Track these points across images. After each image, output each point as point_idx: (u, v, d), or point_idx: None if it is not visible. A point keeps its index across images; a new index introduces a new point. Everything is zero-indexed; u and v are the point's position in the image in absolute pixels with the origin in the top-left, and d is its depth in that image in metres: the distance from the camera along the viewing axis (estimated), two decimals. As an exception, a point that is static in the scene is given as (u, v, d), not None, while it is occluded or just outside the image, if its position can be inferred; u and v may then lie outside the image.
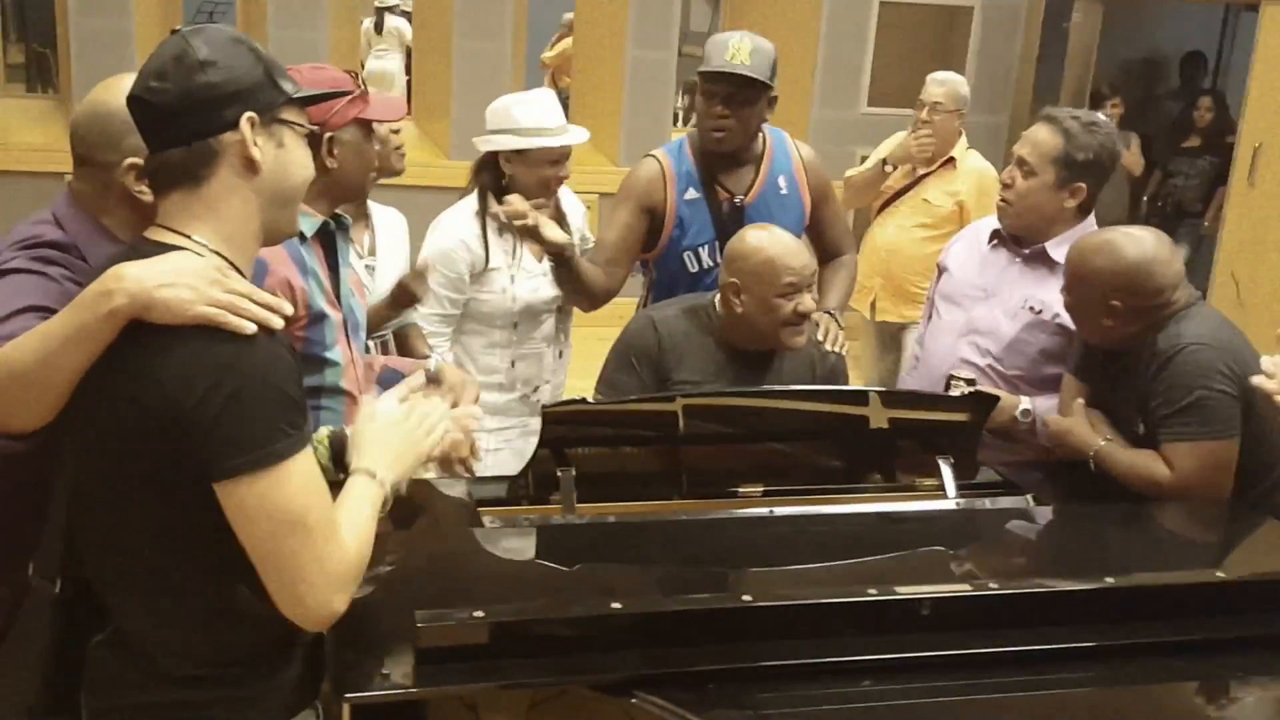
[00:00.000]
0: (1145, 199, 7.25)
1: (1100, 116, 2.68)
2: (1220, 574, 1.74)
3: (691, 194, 2.90)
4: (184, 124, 1.40)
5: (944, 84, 4.13)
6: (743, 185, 2.92)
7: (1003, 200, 2.67)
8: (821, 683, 1.54)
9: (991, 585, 1.63)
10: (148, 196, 1.55)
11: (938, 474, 2.28)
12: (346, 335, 2.17)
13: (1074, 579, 1.71)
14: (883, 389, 2.44)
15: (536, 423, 2.24)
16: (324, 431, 1.78)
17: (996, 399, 2.35)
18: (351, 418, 2.15)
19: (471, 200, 3.00)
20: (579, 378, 3.12)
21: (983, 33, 6.76)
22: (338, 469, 1.69)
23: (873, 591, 1.60)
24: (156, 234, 1.45)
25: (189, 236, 1.42)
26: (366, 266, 2.81)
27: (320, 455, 1.70)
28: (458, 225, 2.97)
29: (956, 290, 2.78)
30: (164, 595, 1.43)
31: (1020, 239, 2.67)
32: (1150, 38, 8.66)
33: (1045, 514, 2.17)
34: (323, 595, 1.37)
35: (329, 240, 2.18)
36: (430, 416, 1.63)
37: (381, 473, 1.51)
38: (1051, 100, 6.84)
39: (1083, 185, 2.58)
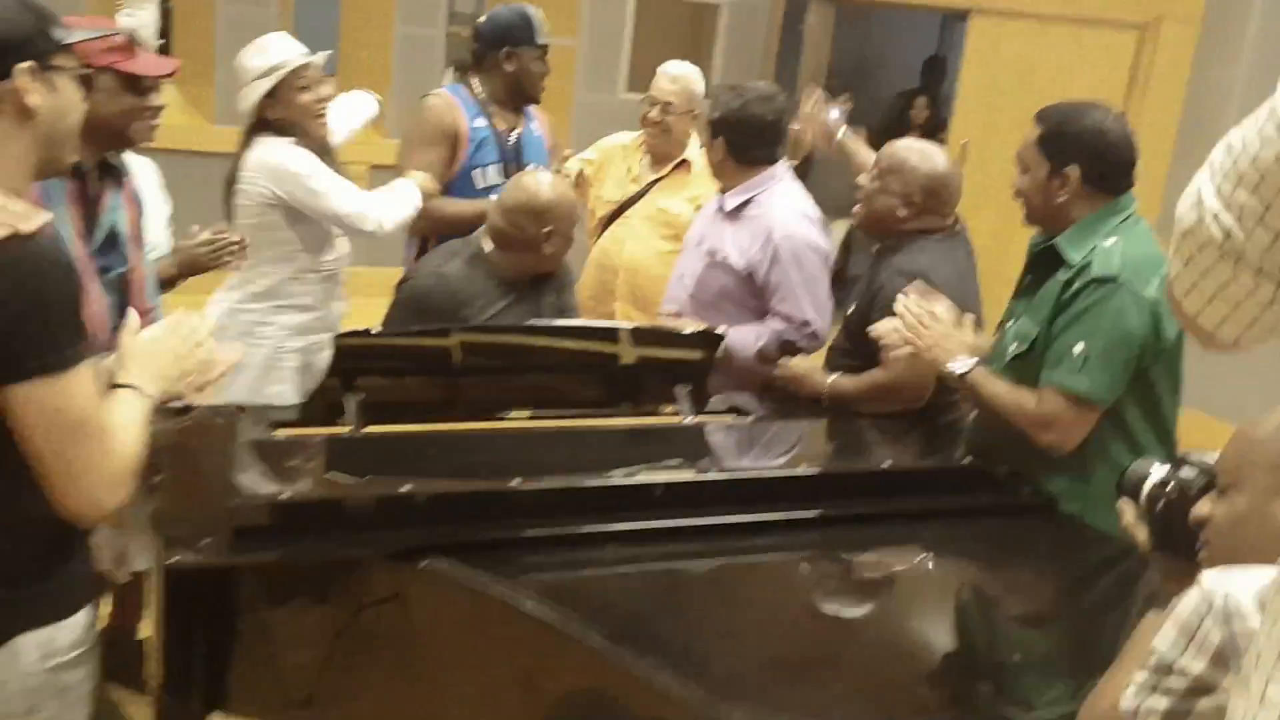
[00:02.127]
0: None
1: (764, 85, 3.19)
2: (885, 465, 2.22)
3: (480, 122, 3.50)
4: None
5: (676, 80, 3.63)
6: (511, 121, 3.58)
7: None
8: (578, 549, 1.90)
9: (711, 473, 2.04)
10: None
11: (676, 401, 2.69)
12: (92, 269, 2.21)
13: (773, 470, 2.15)
14: (631, 324, 2.82)
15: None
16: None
17: (722, 337, 2.78)
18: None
19: (275, 140, 3.06)
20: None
21: (730, 27, 7.32)
22: None
23: (620, 476, 1.97)
24: None
25: None
26: None
27: None
28: (283, 150, 3.04)
29: (685, 241, 3.28)
30: None
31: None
32: (879, 41, 9.53)
33: (761, 428, 2.62)
34: (100, 493, 1.48)
35: (82, 180, 2.25)
36: (196, 331, 1.72)
37: (146, 387, 1.61)
38: (789, 94, 7.47)
39: (718, 140, 3.04)
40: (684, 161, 3.64)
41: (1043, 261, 2.40)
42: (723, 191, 3.12)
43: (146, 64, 2.33)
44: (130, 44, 2.28)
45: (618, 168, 3.79)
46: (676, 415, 2.67)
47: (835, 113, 7.58)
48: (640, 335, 2.70)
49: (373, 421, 2.41)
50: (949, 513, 2.17)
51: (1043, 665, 1.82)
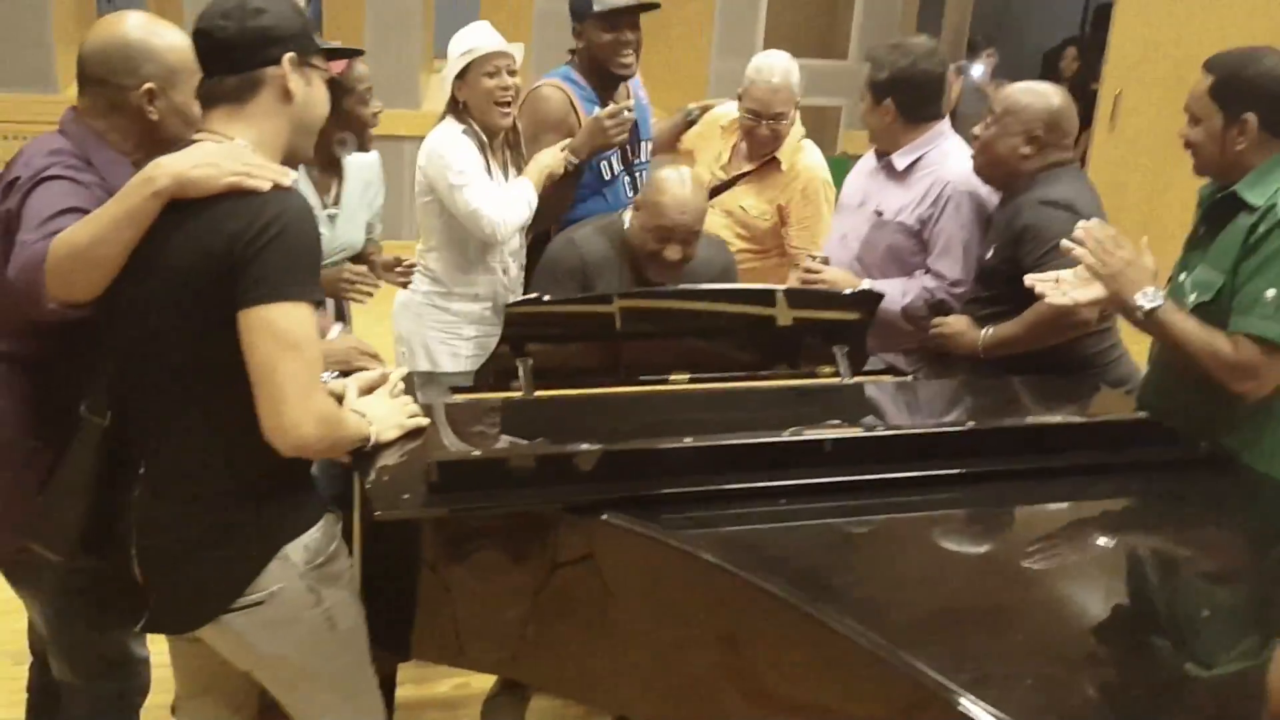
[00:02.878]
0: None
1: (911, 39, 3.11)
2: (1057, 418, 2.20)
3: (595, 110, 3.34)
4: (239, 56, 1.76)
5: (778, 90, 3.34)
6: (622, 100, 3.42)
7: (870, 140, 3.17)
8: (749, 503, 1.95)
9: (879, 429, 2.06)
10: (155, 115, 1.98)
11: (835, 361, 2.71)
12: None
13: (942, 425, 2.16)
14: (787, 288, 2.84)
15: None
16: None
17: (880, 296, 2.78)
18: None
19: (450, 124, 3.16)
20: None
21: (869, -16, 7.22)
22: None
23: (788, 434, 2.02)
24: (204, 138, 1.77)
25: (231, 140, 1.76)
26: (329, 215, 2.96)
27: None
28: (448, 135, 3.12)
29: (842, 202, 3.29)
30: (205, 420, 1.75)
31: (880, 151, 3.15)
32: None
33: (923, 386, 2.62)
34: (299, 416, 1.65)
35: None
36: (410, 407, 2.09)
37: (372, 418, 1.97)
38: (932, 50, 7.34)
39: (888, 103, 3.02)
40: (773, 159, 3.48)
41: (1218, 210, 2.33)
42: (884, 153, 3.11)
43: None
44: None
45: (713, 147, 3.65)
46: (835, 376, 2.69)
47: (980, 68, 7.44)
48: (797, 297, 2.73)
49: (542, 386, 2.50)
50: (1124, 467, 2.15)
51: (1225, 621, 1.80)
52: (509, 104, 3.12)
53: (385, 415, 2.02)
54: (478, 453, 1.89)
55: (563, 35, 3.53)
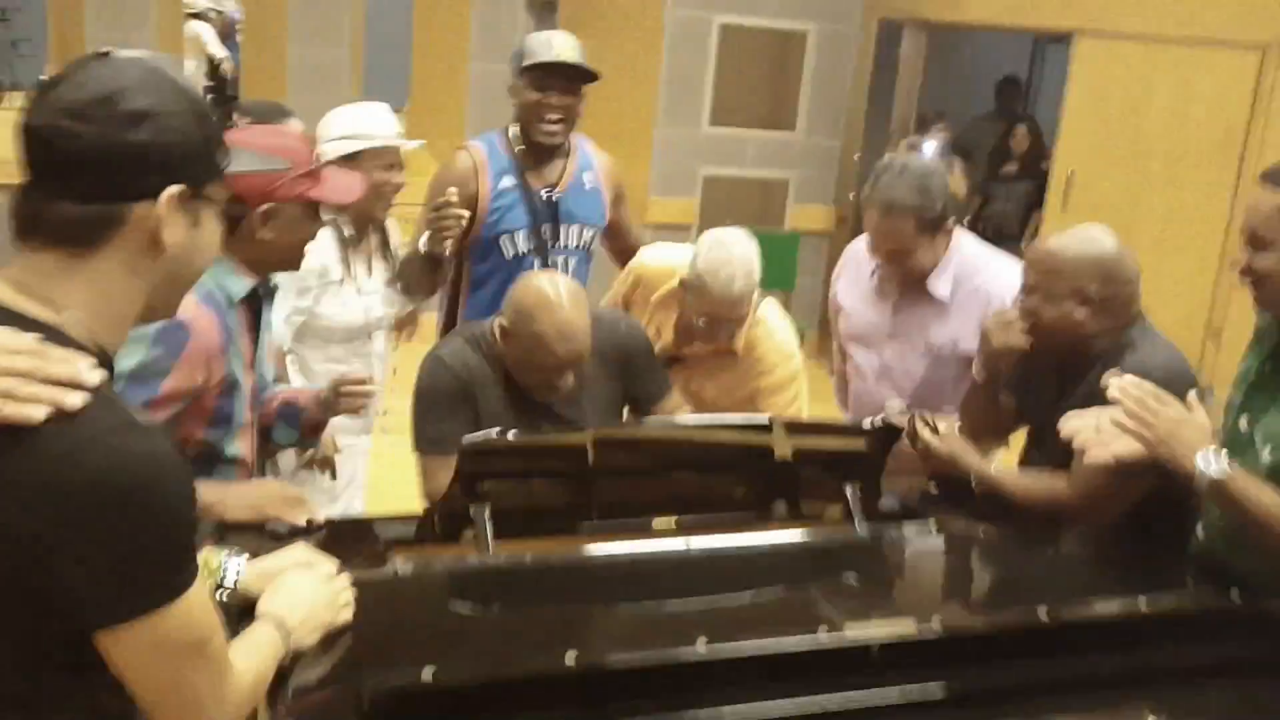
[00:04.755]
0: (966, 222, 7.60)
1: (911, 159, 2.77)
2: (1142, 605, 1.80)
3: (506, 182, 3.05)
4: (91, 180, 1.16)
5: (739, 299, 2.66)
6: (552, 178, 3.11)
7: (890, 275, 2.76)
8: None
9: (934, 625, 1.65)
10: None
11: (843, 501, 2.31)
12: (252, 402, 2.06)
13: (1008, 612, 1.75)
14: (789, 419, 2.43)
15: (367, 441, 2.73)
16: (214, 558, 1.63)
17: (900, 430, 2.39)
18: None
19: None
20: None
21: (818, 57, 6.96)
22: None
23: (824, 631, 1.59)
24: (13, 300, 1.17)
25: (58, 313, 1.18)
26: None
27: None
28: None
29: (861, 333, 2.88)
30: None
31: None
32: (969, 63, 9.12)
33: (955, 541, 2.21)
34: (218, 717, 1.24)
35: (255, 304, 2.08)
36: (346, 593, 1.62)
37: (291, 626, 1.48)
38: (882, 125, 7.11)
39: (948, 225, 2.69)
40: (730, 349, 2.83)
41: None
42: (908, 280, 2.74)
43: (334, 190, 2.06)
44: (319, 170, 2.04)
45: (643, 315, 2.96)
46: (843, 518, 2.29)
47: (931, 144, 7.22)
48: (797, 426, 2.33)
49: (501, 534, 2.06)
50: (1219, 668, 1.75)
51: None
52: (393, 199, 2.95)
53: (308, 614, 1.54)
54: (428, 676, 1.43)
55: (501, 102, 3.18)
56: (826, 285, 7.37)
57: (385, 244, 3.07)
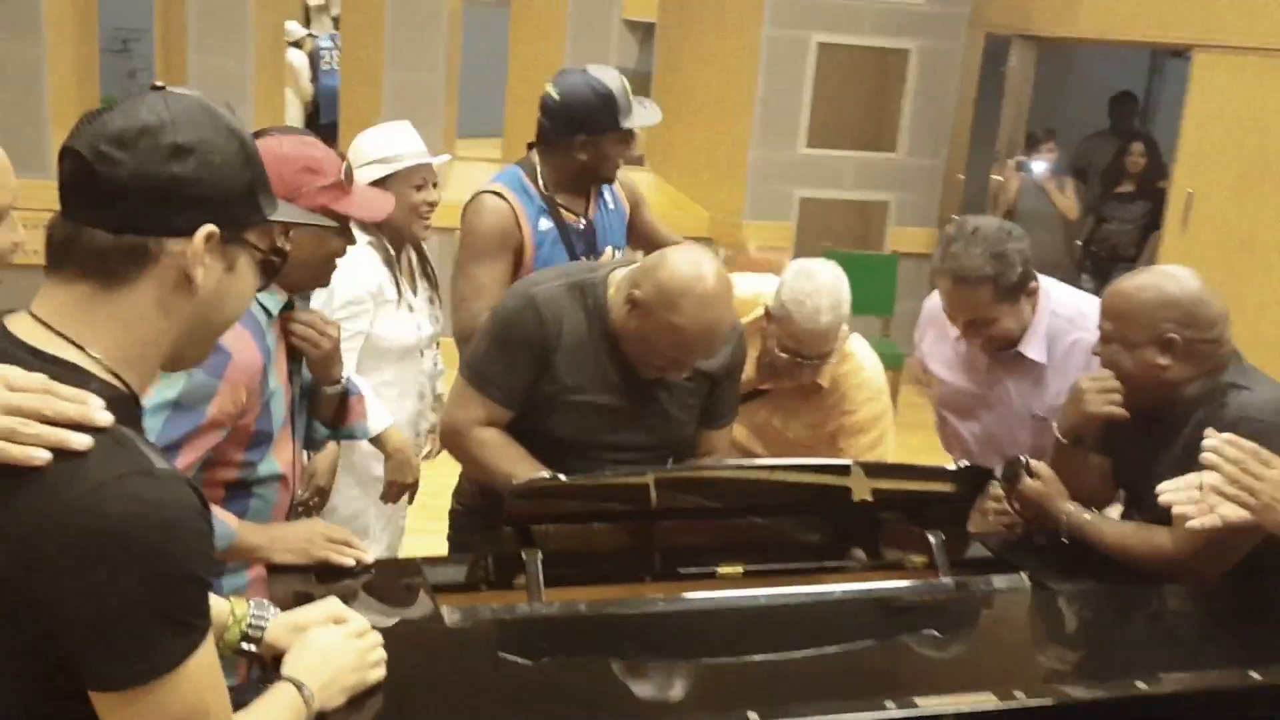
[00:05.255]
0: (1080, 243, 7.28)
1: (982, 224, 2.52)
2: (1256, 675, 1.60)
3: (544, 224, 2.90)
4: (125, 210, 1.11)
5: (827, 331, 2.52)
6: (580, 207, 2.98)
7: (984, 348, 2.59)
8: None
9: (1018, 696, 1.48)
10: None
11: (926, 549, 2.14)
12: (292, 414, 1.99)
13: (1100, 683, 1.57)
14: (867, 462, 2.27)
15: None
16: (241, 608, 1.54)
17: (990, 472, 2.22)
18: (284, 505, 2.00)
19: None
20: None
21: (920, 74, 6.75)
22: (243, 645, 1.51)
23: (891, 705, 1.44)
24: (36, 335, 1.13)
25: (84, 349, 1.12)
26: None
27: (230, 637, 1.51)
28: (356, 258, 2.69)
29: (958, 402, 2.71)
30: None
31: None
32: (1081, 79, 8.78)
33: (1050, 598, 2.02)
34: None
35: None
36: (376, 651, 1.51)
37: (313, 689, 1.37)
38: (988, 144, 6.86)
39: (1031, 286, 2.50)
40: (816, 385, 2.70)
41: None
42: (999, 348, 2.57)
43: (362, 205, 1.99)
44: (345, 181, 1.95)
45: None
46: (927, 568, 2.13)
47: (1040, 164, 6.95)
48: (876, 469, 2.17)
49: (553, 579, 1.94)
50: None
51: None
52: (430, 217, 2.87)
53: (333, 675, 1.44)
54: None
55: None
56: (928, 310, 7.19)
57: (425, 261, 3.03)
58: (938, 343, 2.75)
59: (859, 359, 2.73)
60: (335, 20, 9.85)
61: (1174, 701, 1.53)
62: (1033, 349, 2.51)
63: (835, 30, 6.56)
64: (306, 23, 9.08)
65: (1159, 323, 2.08)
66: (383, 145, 2.83)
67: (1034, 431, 2.52)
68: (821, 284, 2.53)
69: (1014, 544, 2.31)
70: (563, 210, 2.93)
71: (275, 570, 1.92)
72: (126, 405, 1.14)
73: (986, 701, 1.45)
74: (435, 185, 2.88)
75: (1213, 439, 1.76)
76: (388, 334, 2.81)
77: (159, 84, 1.18)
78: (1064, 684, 1.54)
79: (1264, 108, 6.34)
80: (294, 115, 8.43)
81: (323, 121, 8.30)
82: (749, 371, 2.77)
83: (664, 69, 7.90)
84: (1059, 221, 6.89)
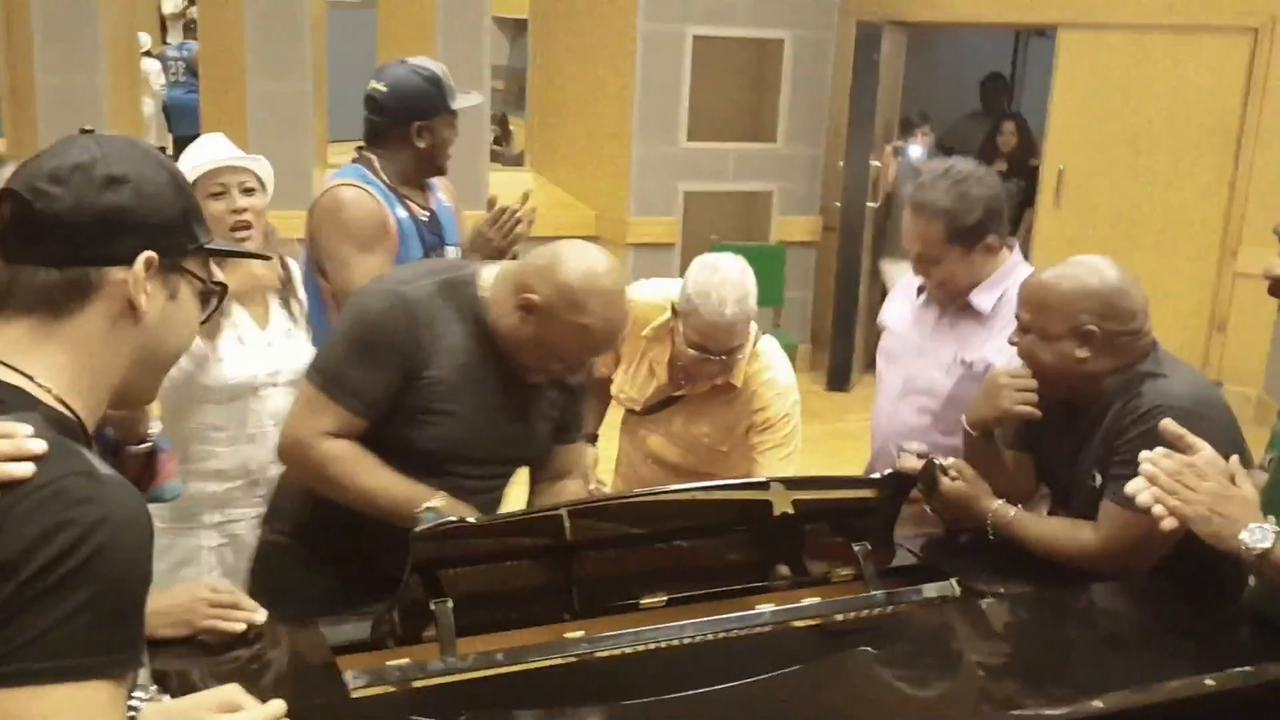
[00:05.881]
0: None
1: (959, 164, 2.53)
2: (1211, 682, 1.55)
3: (401, 213, 2.89)
4: (66, 242, 1.14)
5: (734, 323, 2.47)
6: (420, 199, 2.97)
7: (929, 288, 2.57)
8: None
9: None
10: None
11: (852, 561, 2.07)
12: None
13: (1057, 702, 1.50)
14: (786, 477, 2.18)
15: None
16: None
17: (913, 479, 2.15)
18: None
19: None
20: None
21: (795, 64, 6.73)
22: None
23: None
24: None
25: (32, 378, 1.13)
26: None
27: None
28: None
29: (894, 348, 2.68)
30: None
31: None
32: (950, 62, 8.90)
33: (987, 608, 1.95)
34: None
35: None
36: None
37: None
38: (866, 130, 6.88)
39: (992, 238, 2.46)
40: (729, 385, 2.64)
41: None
42: (948, 296, 2.54)
43: None
44: None
45: (635, 350, 2.75)
46: (855, 583, 2.05)
47: (917, 148, 7.00)
48: (796, 482, 2.09)
49: (466, 628, 1.81)
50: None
51: None
52: (246, 228, 2.51)
53: None
54: None
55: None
56: (815, 297, 7.20)
57: (287, 283, 2.63)
58: (900, 298, 2.76)
59: (768, 357, 2.69)
60: (190, 27, 9.45)
61: (1133, 715, 1.46)
62: (981, 299, 2.49)
63: (710, 22, 6.50)
64: (163, 32, 8.69)
65: (1078, 314, 2.04)
66: (188, 159, 2.56)
67: (957, 382, 2.48)
68: (727, 276, 2.49)
69: (939, 546, 2.26)
70: (409, 202, 2.92)
71: (155, 645, 1.73)
72: (73, 431, 1.13)
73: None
74: (249, 191, 2.53)
75: (1147, 451, 1.71)
76: (205, 374, 2.48)
77: (87, 128, 1.25)
78: (1019, 709, 1.47)
79: (1129, 82, 6.49)
80: (154, 127, 8.05)
81: (176, 135, 7.92)
82: (660, 377, 2.69)
83: (539, 66, 7.75)
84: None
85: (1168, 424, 1.76)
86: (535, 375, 2.10)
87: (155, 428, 2.09)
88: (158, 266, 1.18)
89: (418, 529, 1.77)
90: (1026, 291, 2.13)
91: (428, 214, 2.96)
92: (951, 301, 2.54)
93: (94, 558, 1.00)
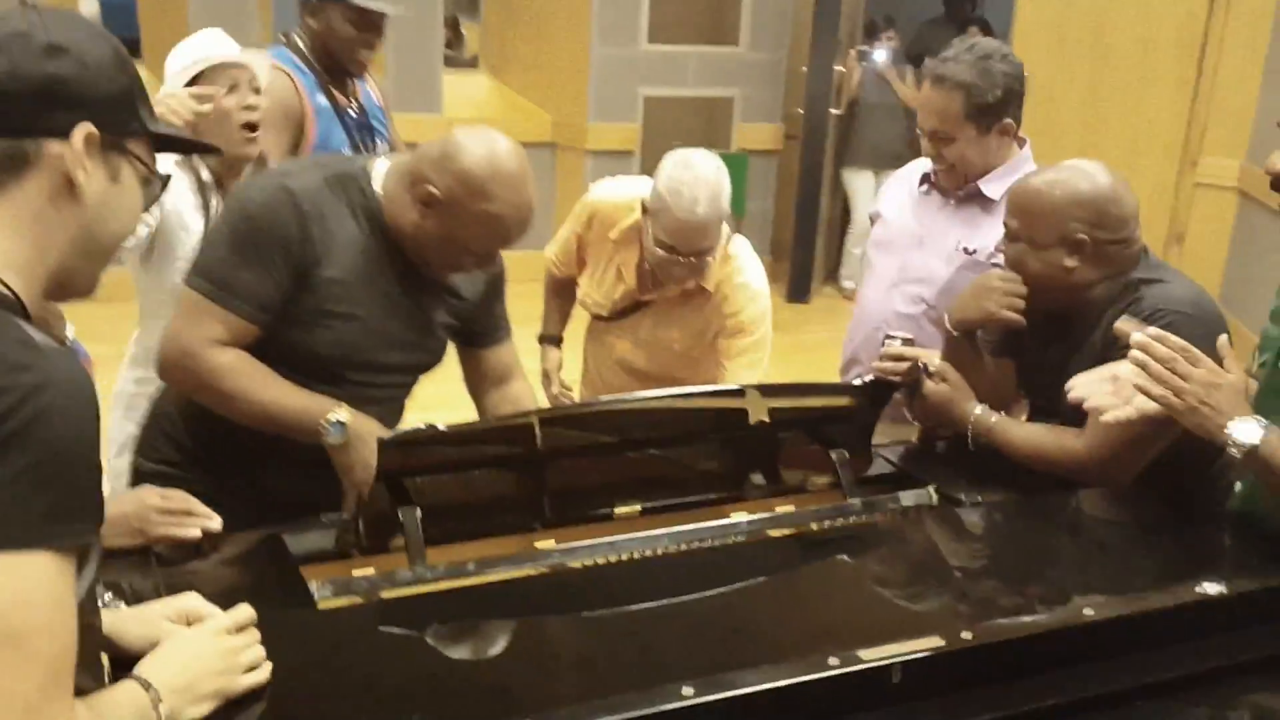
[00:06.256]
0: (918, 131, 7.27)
1: (983, 41, 2.50)
2: (1206, 589, 1.52)
3: (321, 100, 2.90)
4: (1, 112, 1.09)
5: (705, 223, 2.39)
6: (346, 94, 3.00)
7: (937, 171, 2.50)
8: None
9: (964, 636, 1.36)
10: None
11: (828, 469, 2.02)
12: None
13: (1046, 611, 1.47)
14: (764, 384, 2.12)
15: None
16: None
17: (895, 386, 2.10)
18: None
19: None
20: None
21: (758, -34, 6.55)
22: None
23: (835, 662, 1.30)
24: None
25: None
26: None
27: None
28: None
29: (890, 237, 2.60)
30: None
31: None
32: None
33: (966, 515, 1.92)
34: None
35: None
36: (248, 651, 1.30)
37: (161, 692, 1.19)
38: (830, 35, 6.73)
39: (1009, 121, 2.41)
40: (700, 289, 2.57)
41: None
42: (956, 185, 2.48)
43: None
44: None
45: (602, 253, 2.68)
46: (832, 487, 2.01)
47: (881, 53, 6.86)
48: (772, 390, 2.03)
49: (435, 537, 1.75)
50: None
51: None
52: (255, 127, 2.46)
53: (190, 679, 1.22)
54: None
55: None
56: (777, 207, 7.11)
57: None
58: (897, 188, 2.69)
59: (740, 260, 2.61)
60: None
61: (1125, 624, 1.44)
62: (991, 187, 2.43)
63: (672, -81, 6.30)
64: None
65: (1068, 222, 1.98)
66: (180, 55, 2.48)
67: (957, 271, 2.44)
68: (701, 174, 2.39)
69: (916, 454, 2.22)
70: (332, 90, 2.93)
71: (108, 555, 1.65)
72: (10, 306, 1.08)
73: (933, 646, 1.33)
74: (258, 90, 2.49)
75: (1140, 334, 1.66)
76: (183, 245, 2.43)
77: (31, 2, 1.18)
78: (1007, 617, 1.43)
79: (1095, -14, 6.39)
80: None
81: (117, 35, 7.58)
82: (629, 281, 2.61)
83: (492, -35, 7.49)
84: (902, 110, 6.86)
85: (1151, 330, 1.71)
86: (442, 272, 1.99)
87: (70, 331, 2.00)
88: (98, 143, 1.13)
89: (387, 437, 1.69)
90: (1016, 198, 2.06)
91: (355, 106, 2.95)
92: (960, 187, 2.47)
93: (32, 423, 0.96)
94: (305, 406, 1.90)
